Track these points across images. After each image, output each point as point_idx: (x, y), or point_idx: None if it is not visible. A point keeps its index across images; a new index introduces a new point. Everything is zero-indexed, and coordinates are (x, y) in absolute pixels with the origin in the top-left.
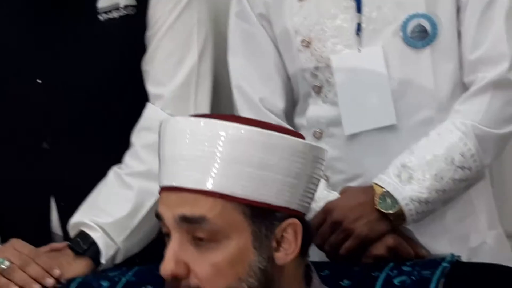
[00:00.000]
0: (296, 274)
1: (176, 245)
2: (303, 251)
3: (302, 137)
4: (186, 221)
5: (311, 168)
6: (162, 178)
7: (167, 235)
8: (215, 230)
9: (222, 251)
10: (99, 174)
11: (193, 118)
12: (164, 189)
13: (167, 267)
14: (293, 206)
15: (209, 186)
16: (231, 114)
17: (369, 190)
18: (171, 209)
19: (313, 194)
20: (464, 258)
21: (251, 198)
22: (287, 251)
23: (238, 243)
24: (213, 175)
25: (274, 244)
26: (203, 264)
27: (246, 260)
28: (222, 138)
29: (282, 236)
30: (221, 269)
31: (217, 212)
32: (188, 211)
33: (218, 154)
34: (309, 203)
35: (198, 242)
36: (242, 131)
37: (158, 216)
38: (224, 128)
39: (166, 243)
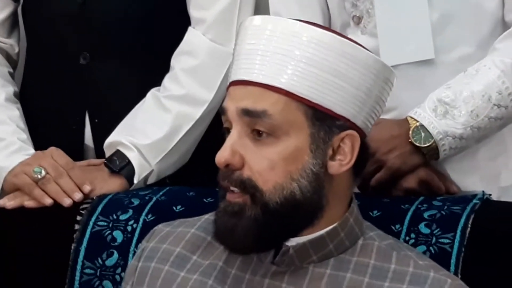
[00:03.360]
0: (344, 193)
1: (235, 136)
2: (357, 172)
3: None
4: (248, 114)
5: (381, 88)
6: (232, 73)
7: (228, 130)
8: (274, 126)
9: (279, 147)
10: (135, 95)
11: (274, 17)
12: (232, 84)
13: (222, 154)
14: (357, 122)
15: (276, 82)
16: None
17: (403, 123)
18: (236, 102)
19: (376, 115)
20: (494, 197)
21: (315, 101)
22: (341, 162)
23: (295, 141)
24: (283, 72)
25: (330, 151)
26: (258, 157)
27: (300, 160)
28: (304, 38)
29: (339, 146)
30: (275, 164)
31: (280, 108)
32: (251, 104)
33: (296, 52)
34: (371, 124)
35: (256, 136)
36: (323, 36)
37: (222, 110)
38: (305, 29)
39: (225, 139)
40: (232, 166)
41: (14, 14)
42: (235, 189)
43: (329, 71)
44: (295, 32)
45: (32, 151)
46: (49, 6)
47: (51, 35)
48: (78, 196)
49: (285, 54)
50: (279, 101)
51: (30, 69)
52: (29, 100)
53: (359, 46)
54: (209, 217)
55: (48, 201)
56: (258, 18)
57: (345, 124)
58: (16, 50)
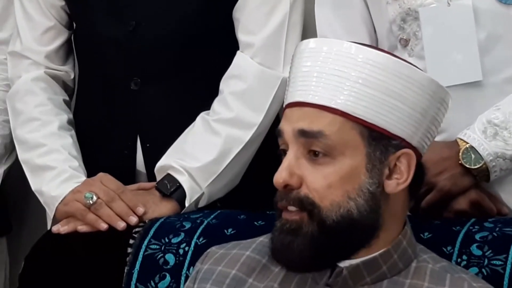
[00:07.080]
0: (400, 214)
1: (291, 157)
2: (413, 193)
3: None
4: (304, 135)
5: (436, 108)
6: (288, 96)
7: (284, 152)
8: (331, 146)
9: (335, 166)
10: (185, 119)
11: (329, 39)
12: (288, 106)
13: (281, 175)
14: (413, 142)
15: (332, 102)
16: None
17: (453, 144)
18: (292, 124)
19: (432, 136)
20: None
21: (370, 121)
22: (398, 181)
23: (352, 161)
24: (339, 93)
25: (386, 171)
26: (315, 176)
27: (357, 179)
28: (359, 60)
29: (395, 165)
30: (332, 182)
31: (335, 129)
32: (307, 125)
33: (352, 73)
34: (427, 145)
35: (313, 156)
36: (378, 57)
37: (279, 132)
38: (360, 51)
39: (281, 161)
40: (290, 187)
41: (68, 41)
42: (292, 208)
43: (385, 91)
44: (351, 53)
45: (83, 178)
46: (100, 32)
47: (102, 61)
48: (134, 219)
49: (341, 76)
50: (335, 122)
51: (82, 95)
52: (81, 125)
53: (414, 67)
54: (263, 239)
55: (103, 226)
56: (314, 41)
57: (400, 143)
58: (72, 76)
